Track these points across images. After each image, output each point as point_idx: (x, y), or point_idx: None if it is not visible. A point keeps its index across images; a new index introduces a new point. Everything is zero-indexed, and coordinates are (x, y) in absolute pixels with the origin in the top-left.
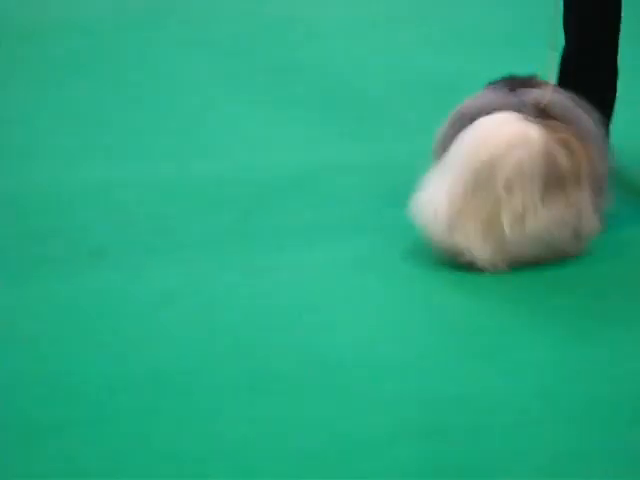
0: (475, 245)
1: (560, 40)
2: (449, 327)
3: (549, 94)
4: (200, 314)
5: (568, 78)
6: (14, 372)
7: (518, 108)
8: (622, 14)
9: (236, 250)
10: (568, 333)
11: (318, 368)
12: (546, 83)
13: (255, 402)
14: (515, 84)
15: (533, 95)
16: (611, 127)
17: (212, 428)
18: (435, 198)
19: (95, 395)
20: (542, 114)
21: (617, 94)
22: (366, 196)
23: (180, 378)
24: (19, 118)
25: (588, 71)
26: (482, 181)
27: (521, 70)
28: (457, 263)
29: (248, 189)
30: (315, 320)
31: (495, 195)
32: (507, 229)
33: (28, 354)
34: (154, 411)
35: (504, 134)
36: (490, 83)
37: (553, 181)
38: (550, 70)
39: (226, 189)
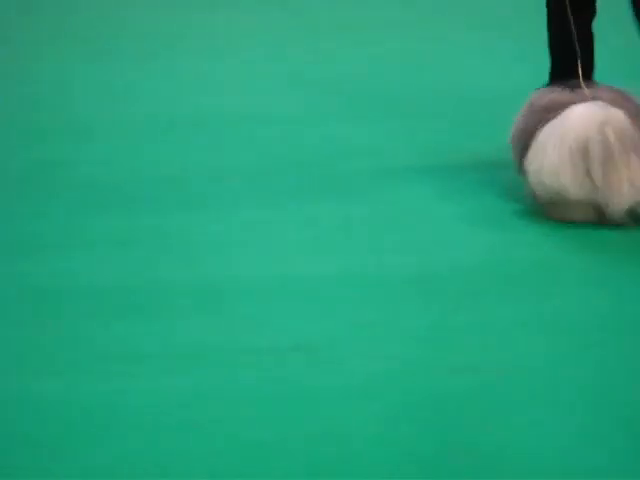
0: (614, 200)
1: None
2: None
3: (598, 90)
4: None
5: None
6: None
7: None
8: None
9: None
10: None
11: None
12: (592, 82)
13: None
14: (569, 85)
15: (588, 92)
16: None
17: None
18: (563, 169)
19: None
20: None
21: None
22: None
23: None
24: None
25: None
26: (610, 152)
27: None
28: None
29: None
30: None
31: (622, 162)
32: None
33: (204, 441)
34: None
35: (611, 115)
36: (542, 86)
37: None
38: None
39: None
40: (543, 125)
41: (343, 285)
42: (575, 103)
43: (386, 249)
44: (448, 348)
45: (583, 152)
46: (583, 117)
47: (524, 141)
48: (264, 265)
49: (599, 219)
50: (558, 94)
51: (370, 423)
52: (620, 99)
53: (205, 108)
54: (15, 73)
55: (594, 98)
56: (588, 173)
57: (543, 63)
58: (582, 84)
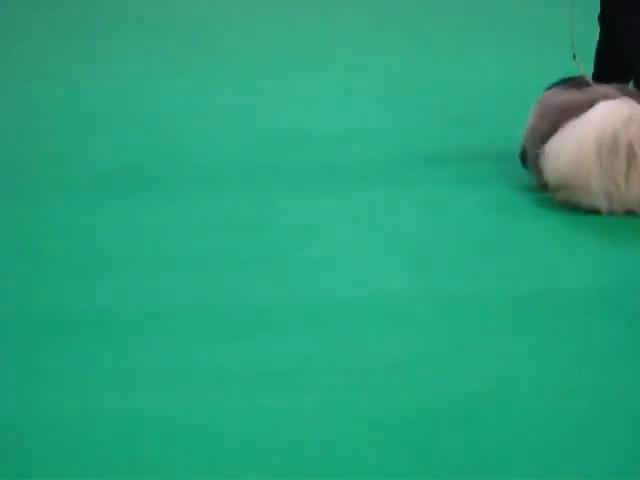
0: (605, 195)
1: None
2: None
3: (607, 89)
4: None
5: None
6: None
7: (592, 101)
8: None
9: None
10: None
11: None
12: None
13: None
14: (576, 84)
15: (599, 91)
16: None
17: None
18: (576, 164)
19: None
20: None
21: None
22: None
23: None
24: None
25: None
26: (613, 148)
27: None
28: (582, 209)
29: None
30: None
31: (623, 158)
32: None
33: None
34: None
35: (623, 113)
36: (553, 85)
37: None
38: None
39: None
40: (558, 125)
41: (437, 305)
42: (588, 102)
43: (477, 269)
44: (541, 370)
45: (609, 145)
46: (610, 112)
47: (538, 139)
48: (357, 284)
49: (612, 207)
50: (571, 94)
51: (467, 445)
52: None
53: (303, 126)
54: (106, 89)
55: (605, 97)
56: (612, 165)
57: (552, 60)
58: (591, 82)
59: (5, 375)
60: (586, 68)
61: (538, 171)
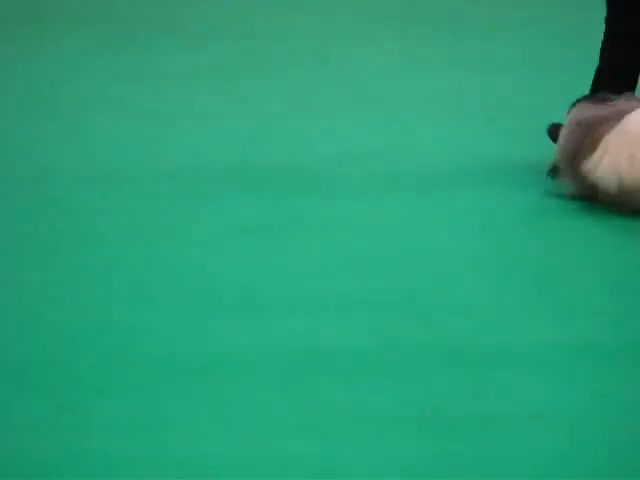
0: None
1: None
2: None
3: (633, 102)
4: None
5: None
6: None
7: (619, 115)
8: None
9: None
10: None
11: None
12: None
13: None
14: (600, 99)
15: (625, 104)
16: None
17: None
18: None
19: None
20: None
21: None
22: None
23: None
24: None
25: None
26: None
27: None
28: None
29: None
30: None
31: None
32: None
33: None
34: None
35: None
36: (577, 100)
37: None
38: None
39: None
40: (586, 140)
41: (578, 351)
42: (616, 116)
43: (616, 311)
44: None
45: None
46: None
47: (568, 155)
48: (495, 328)
49: None
50: (598, 109)
51: None
52: None
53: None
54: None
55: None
56: None
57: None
58: (613, 97)
59: (136, 421)
60: None
61: (575, 182)
